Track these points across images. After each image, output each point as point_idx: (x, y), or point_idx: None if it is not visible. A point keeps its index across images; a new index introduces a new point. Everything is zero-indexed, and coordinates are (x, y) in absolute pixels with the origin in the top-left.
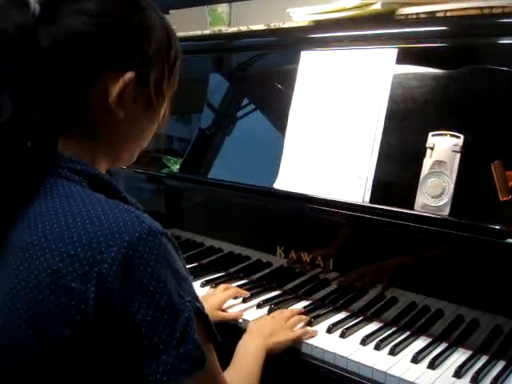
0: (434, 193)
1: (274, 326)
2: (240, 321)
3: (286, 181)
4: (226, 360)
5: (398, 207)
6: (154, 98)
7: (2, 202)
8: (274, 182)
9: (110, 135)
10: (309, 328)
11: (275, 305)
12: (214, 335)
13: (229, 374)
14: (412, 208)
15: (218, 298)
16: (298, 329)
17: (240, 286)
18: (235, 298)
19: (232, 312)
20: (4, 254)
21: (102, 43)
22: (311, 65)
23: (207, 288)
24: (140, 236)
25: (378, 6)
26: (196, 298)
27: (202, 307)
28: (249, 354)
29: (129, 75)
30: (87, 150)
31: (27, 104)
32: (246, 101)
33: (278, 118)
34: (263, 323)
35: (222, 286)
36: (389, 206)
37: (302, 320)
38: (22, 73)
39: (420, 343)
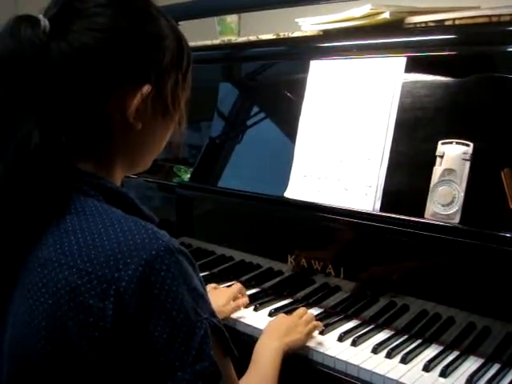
0: (444, 201)
1: (288, 323)
2: (248, 323)
3: (296, 189)
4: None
5: (409, 216)
6: (171, 106)
7: (30, 221)
8: (285, 190)
9: (128, 147)
10: (319, 322)
11: (286, 313)
12: (230, 350)
13: (246, 381)
14: (422, 216)
15: (221, 298)
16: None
17: (252, 295)
18: (246, 307)
19: (232, 304)
20: (23, 272)
21: (115, 57)
22: (320, 74)
23: None
24: (157, 254)
25: (386, 15)
26: (213, 313)
27: (219, 322)
28: (265, 358)
29: (146, 88)
30: (103, 163)
31: (53, 127)
32: (256, 110)
33: (288, 126)
34: (277, 323)
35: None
36: (399, 214)
37: (313, 317)
38: (42, 93)
39: (431, 351)
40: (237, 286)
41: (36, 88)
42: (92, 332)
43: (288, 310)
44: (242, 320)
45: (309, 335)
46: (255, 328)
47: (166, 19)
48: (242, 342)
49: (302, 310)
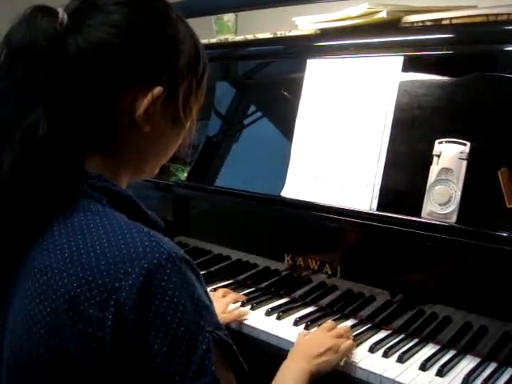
0: (441, 200)
1: (321, 342)
2: (246, 322)
3: (293, 189)
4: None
5: (405, 215)
6: (182, 112)
7: (27, 220)
8: (282, 189)
9: (135, 149)
10: (352, 341)
11: (283, 312)
12: (239, 365)
13: None
14: (419, 215)
15: (219, 305)
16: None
17: (248, 294)
18: (242, 305)
19: (234, 312)
20: (22, 274)
21: (128, 56)
22: (317, 73)
23: None
24: (159, 263)
25: (383, 14)
26: (218, 326)
27: (226, 335)
28: (288, 379)
29: (157, 90)
30: (110, 165)
31: (60, 118)
32: (252, 109)
33: (285, 125)
34: (309, 340)
35: (219, 293)
36: (396, 213)
37: (349, 332)
38: (53, 84)
39: (428, 350)
40: (233, 296)
41: (47, 78)
42: (90, 342)
43: (285, 308)
44: (239, 319)
45: (343, 358)
46: (253, 328)
47: (185, 25)
48: (241, 342)
49: (342, 328)
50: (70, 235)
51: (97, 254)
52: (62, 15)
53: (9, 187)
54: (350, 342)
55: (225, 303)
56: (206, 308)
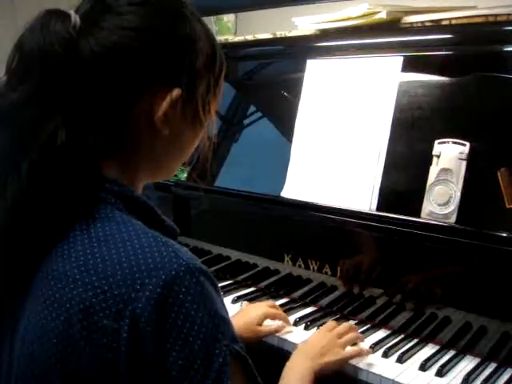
0: (441, 200)
1: (325, 343)
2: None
3: (292, 189)
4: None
5: (405, 215)
6: (201, 112)
7: (46, 227)
8: (281, 190)
9: (153, 152)
10: (362, 346)
11: (284, 312)
12: (254, 378)
13: None
14: (418, 216)
15: (257, 316)
16: (351, 347)
17: (248, 294)
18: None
19: (271, 326)
20: (38, 279)
21: (145, 58)
22: (317, 73)
23: None
24: (177, 274)
25: (383, 15)
26: (234, 339)
27: (241, 348)
28: (293, 377)
29: (176, 92)
30: (127, 169)
31: (79, 125)
32: (252, 109)
33: (285, 126)
34: (312, 342)
35: (266, 303)
36: (395, 213)
37: (357, 338)
38: (69, 90)
39: (428, 351)
40: (271, 303)
41: (64, 85)
42: (105, 353)
43: (285, 309)
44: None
45: (347, 359)
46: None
47: (200, 23)
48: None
49: (343, 327)
50: (86, 242)
51: (113, 264)
52: (74, 18)
53: (27, 196)
54: (354, 349)
55: (263, 316)
56: (223, 320)
